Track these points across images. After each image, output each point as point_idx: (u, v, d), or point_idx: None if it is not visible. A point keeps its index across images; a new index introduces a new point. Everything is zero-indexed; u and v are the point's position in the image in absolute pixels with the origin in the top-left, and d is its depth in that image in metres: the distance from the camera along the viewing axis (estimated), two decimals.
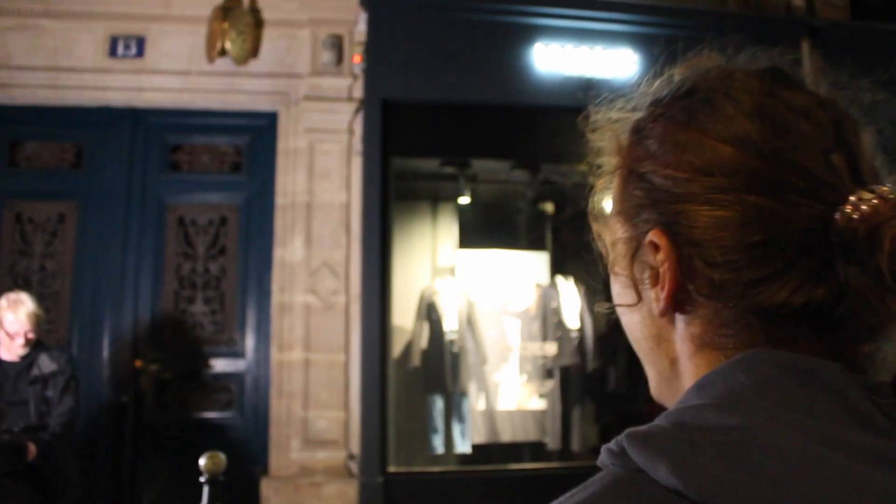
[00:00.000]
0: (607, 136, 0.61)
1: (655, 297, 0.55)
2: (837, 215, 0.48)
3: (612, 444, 0.47)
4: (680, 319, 0.54)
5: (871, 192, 0.48)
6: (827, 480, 0.39)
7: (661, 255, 0.53)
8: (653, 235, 0.54)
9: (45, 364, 3.52)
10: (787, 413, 0.43)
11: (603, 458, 0.47)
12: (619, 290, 0.59)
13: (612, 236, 0.60)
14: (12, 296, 3.54)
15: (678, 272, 0.52)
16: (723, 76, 0.56)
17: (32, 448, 3.32)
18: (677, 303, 0.53)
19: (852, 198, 0.48)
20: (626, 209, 0.57)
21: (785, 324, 0.50)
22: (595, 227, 0.63)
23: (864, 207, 0.47)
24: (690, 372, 0.54)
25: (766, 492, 0.39)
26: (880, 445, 0.41)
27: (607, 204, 0.61)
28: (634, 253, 0.56)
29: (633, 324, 0.59)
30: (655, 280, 0.54)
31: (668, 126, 0.55)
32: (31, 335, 3.50)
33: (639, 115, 0.59)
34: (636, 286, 0.56)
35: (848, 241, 0.47)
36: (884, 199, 0.47)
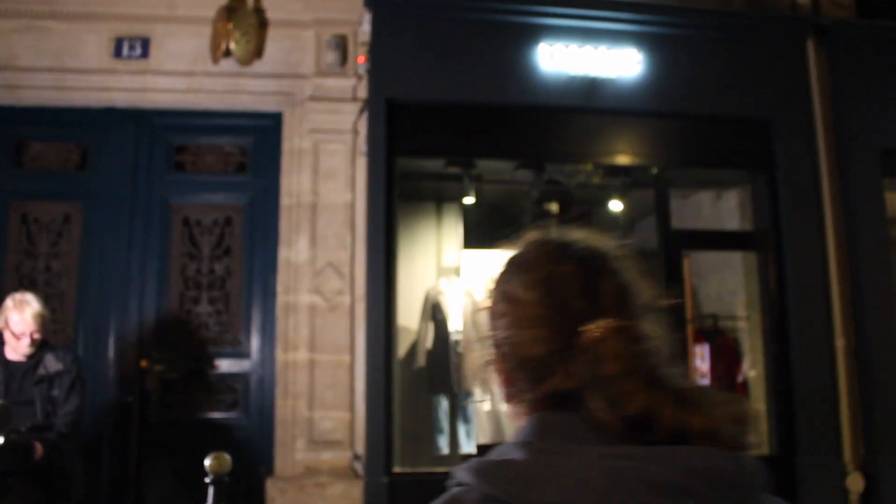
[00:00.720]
0: (489, 280, 0.94)
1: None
2: (576, 338, 0.78)
3: (453, 474, 0.76)
4: (513, 399, 0.87)
5: (600, 323, 0.78)
6: (567, 474, 0.69)
7: (495, 364, 0.88)
8: (492, 351, 0.89)
9: (51, 364, 3.53)
10: (548, 444, 0.74)
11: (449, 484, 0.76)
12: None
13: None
14: (18, 296, 3.55)
15: (505, 374, 0.87)
16: (532, 253, 0.89)
17: (39, 447, 3.33)
18: (510, 390, 0.87)
19: (583, 328, 0.78)
20: (490, 329, 0.91)
21: (558, 400, 0.80)
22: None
23: (585, 336, 0.78)
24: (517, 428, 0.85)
25: (529, 482, 0.69)
26: (601, 451, 0.71)
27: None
28: (490, 358, 0.90)
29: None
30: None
31: (500, 284, 0.90)
32: (36, 335, 3.51)
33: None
34: (484, 381, 0.91)
35: (583, 354, 0.77)
36: (603, 328, 0.77)
